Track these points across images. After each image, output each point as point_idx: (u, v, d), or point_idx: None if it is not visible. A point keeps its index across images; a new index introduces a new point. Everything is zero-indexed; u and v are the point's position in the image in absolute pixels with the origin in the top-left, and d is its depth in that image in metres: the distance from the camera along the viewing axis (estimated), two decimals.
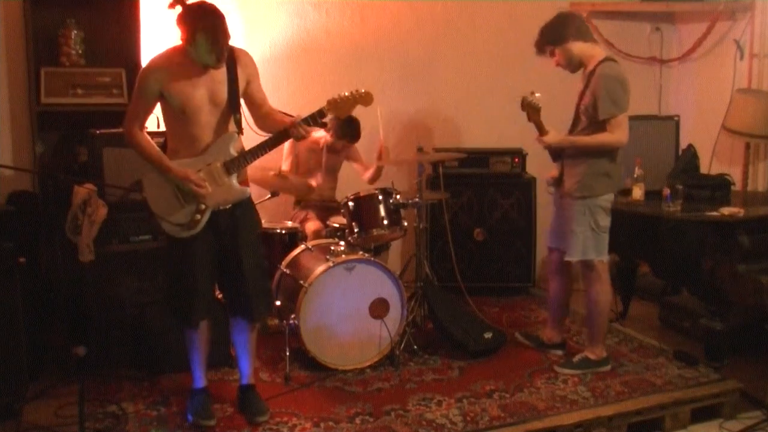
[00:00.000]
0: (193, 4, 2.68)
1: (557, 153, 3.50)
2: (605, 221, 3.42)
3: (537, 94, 3.36)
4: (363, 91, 2.84)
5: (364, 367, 3.53)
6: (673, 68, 5.53)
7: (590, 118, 3.36)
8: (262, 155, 2.87)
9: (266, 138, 2.86)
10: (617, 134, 3.30)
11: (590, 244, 3.40)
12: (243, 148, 2.89)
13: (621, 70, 3.36)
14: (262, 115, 2.94)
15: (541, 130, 3.42)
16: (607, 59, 3.36)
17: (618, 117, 3.29)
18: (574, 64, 3.43)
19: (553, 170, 3.57)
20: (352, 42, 4.78)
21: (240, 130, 2.87)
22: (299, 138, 2.83)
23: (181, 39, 2.70)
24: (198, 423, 2.94)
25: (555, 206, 3.64)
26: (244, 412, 3.04)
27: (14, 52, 3.91)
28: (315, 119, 2.81)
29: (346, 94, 2.83)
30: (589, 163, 3.37)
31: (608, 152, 3.36)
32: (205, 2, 2.69)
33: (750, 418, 3.21)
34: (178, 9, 2.70)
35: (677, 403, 3.21)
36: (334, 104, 2.83)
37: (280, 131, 2.84)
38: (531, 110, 3.38)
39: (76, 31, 3.89)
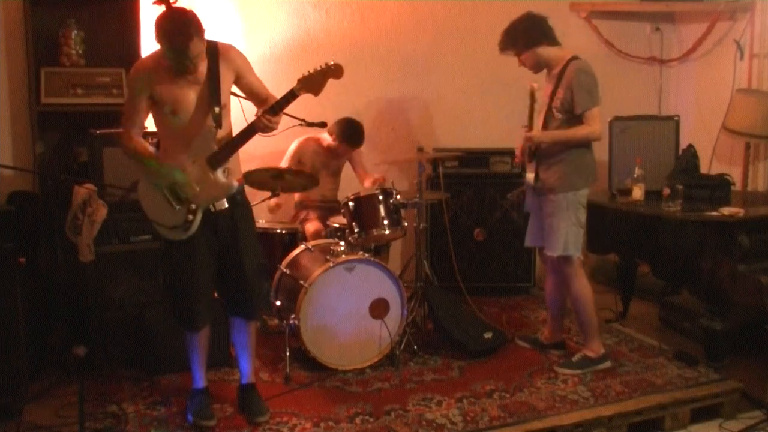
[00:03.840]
0: (169, 11, 2.64)
1: (533, 153, 3.53)
2: (583, 216, 3.50)
3: (535, 84, 3.40)
4: (332, 63, 2.77)
5: (364, 367, 3.53)
6: (673, 68, 5.53)
7: (566, 114, 3.40)
8: (240, 147, 2.84)
9: (237, 133, 2.83)
10: (594, 126, 3.36)
11: (571, 240, 3.45)
12: (226, 141, 2.85)
13: (590, 65, 3.43)
14: (263, 103, 2.93)
15: (531, 126, 3.46)
16: (575, 57, 3.42)
17: (593, 110, 3.35)
18: (540, 66, 3.50)
19: (530, 169, 3.58)
20: (352, 42, 4.78)
21: (218, 125, 2.82)
22: (265, 131, 2.79)
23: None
24: (198, 423, 2.94)
25: (530, 207, 3.67)
26: (244, 412, 3.04)
27: (14, 52, 3.91)
28: (287, 100, 2.76)
29: (316, 68, 2.77)
30: (567, 159, 3.43)
31: (584, 146, 3.44)
32: (179, 13, 2.63)
33: (750, 418, 3.21)
34: (161, 8, 2.67)
35: (677, 403, 3.21)
36: (305, 81, 2.77)
37: (247, 126, 2.81)
38: (533, 101, 3.41)
39: (76, 31, 3.89)
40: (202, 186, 2.82)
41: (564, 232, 3.44)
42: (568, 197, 3.43)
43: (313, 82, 2.77)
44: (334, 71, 2.77)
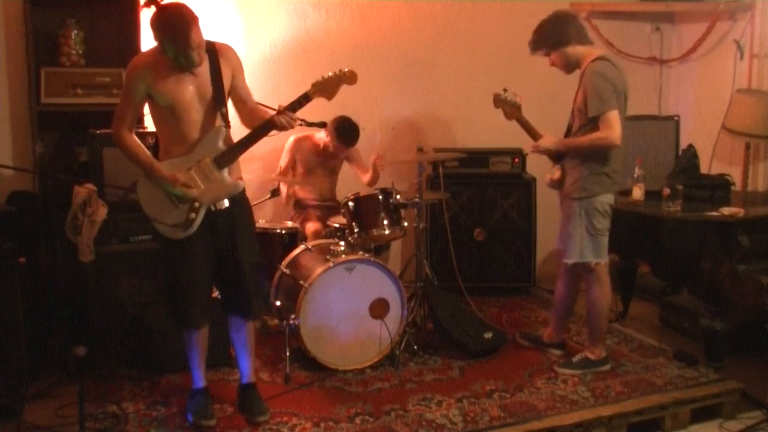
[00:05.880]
0: (161, 9, 2.65)
1: (558, 155, 3.50)
2: (602, 223, 3.39)
3: (507, 91, 3.34)
4: (346, 70, 2.82)
5: (364, 367, 3.53)
6: (673, 68, 5.53)
7: (583, 118, 3.34)
8: (251, 146, 2.86)
9: (252, 129, 2.85)
10: (608, 132, 3.23)
11: (587, 246, 3.39)
12: (231, 142, 2.88)
13: (611, 68, 3.31)
14: (247, 111, 2.93)
15: (534, 135, 3.42)
16: (598, 58, 3.33)
17: (607, 114, 3.22)
18: (570, 66, 3.42)
19: (555, 172, 3.54)
20: (352, 42, 4.78)
21: (227, 124, 2.85)
22: (283, 128, 2.80)
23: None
24: (198, 423, 2.94)
25: (561, 207, 3.63)
26: (245, 412, 3.04)
27: (14, 52, 3.91)
28: (300, 103, 2.80)
29: (330, 74, 2.82)
30: (586, 164, 3.35)
31: (604, 152, 3.32)
32: (172, 7, 2.65)
33: (750, 418, 3.21)
34: (152, 10, 2.69)
35: (677, 403, 3.21)
36: (319, 86, 2.82)
37: (265, 122, 2.82)
38: (507, 107, 3.38)
39: (76, 31, 3.89)
40: (208, 185, 2.82)
41: (578, 240, 3.39)
42: (583, 204, 3.36)
43: (326, 87, 2.82)
44: (348, 77, 2.83)
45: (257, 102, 3.00)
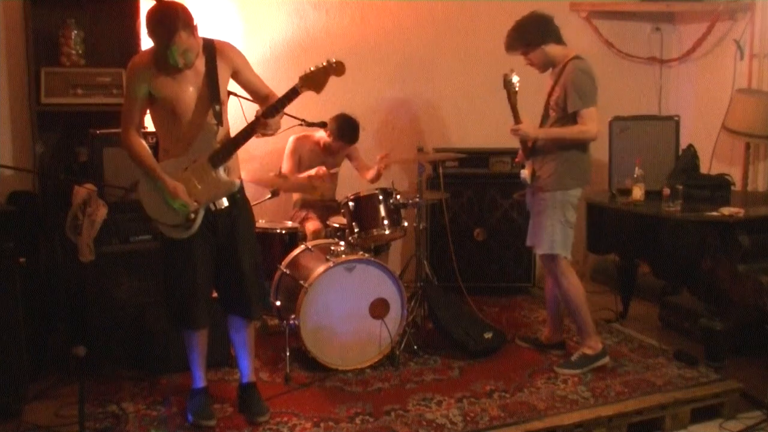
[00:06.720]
0: (159, 4, 2.66)
1: (531, 150, 3.53)
2: (573, 216, 3.48)
3: (513, 72, 3.36)
4: (334, 60, 2.76)
5: (364, 367, 3.53)
6: (673, 68, 5.53)
7: (560, 112, 3.41)
8: (240, 146, 2.84)
9: (238, 132, 2.83)
10: (590, 126, 3.34)
11: (558, 239, 3.45)
12: (227, 140, 2.85)
13: (591, 67, 3.42)
14: (263, 100, 2.93)
15: (517, 118, 3.44)
16: (576, 57, 3.43)
17: (589, 109, 3.33)
18: (547, 65, 3.50)
19: (528, 167, 3.57)
20: (353, 42, 4.78)
21: (220, 122, 2.82)
22: (265, 134, 2.78)
23: None
24: (198, 423, 2.94)
25: (530, 206, 3.66)
26: (245, 412, 3.04)
27: (14, 52, 3.92)
28: (289, 98, 2.75)
29: (318, 66, 2.76)
30: (561, 158, 3.42)
31: (579, 146, 3.43)
32: (169, 6, 2.65)
33: (750, 418, 3.21)
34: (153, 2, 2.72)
35: (677, 403, 3.21)
36: (307, 79, 2.76)
37: (247, 125, 2.81)
38: (510, 90, 3.40)
39: (76, 31, 3.90)
40: (204, 185, 2.82)
41: (550, 231, 3.44)
42: (557, 196, 3.43)
43: (315, 80, 2.76)
44: (336, 68, 2.77)
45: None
